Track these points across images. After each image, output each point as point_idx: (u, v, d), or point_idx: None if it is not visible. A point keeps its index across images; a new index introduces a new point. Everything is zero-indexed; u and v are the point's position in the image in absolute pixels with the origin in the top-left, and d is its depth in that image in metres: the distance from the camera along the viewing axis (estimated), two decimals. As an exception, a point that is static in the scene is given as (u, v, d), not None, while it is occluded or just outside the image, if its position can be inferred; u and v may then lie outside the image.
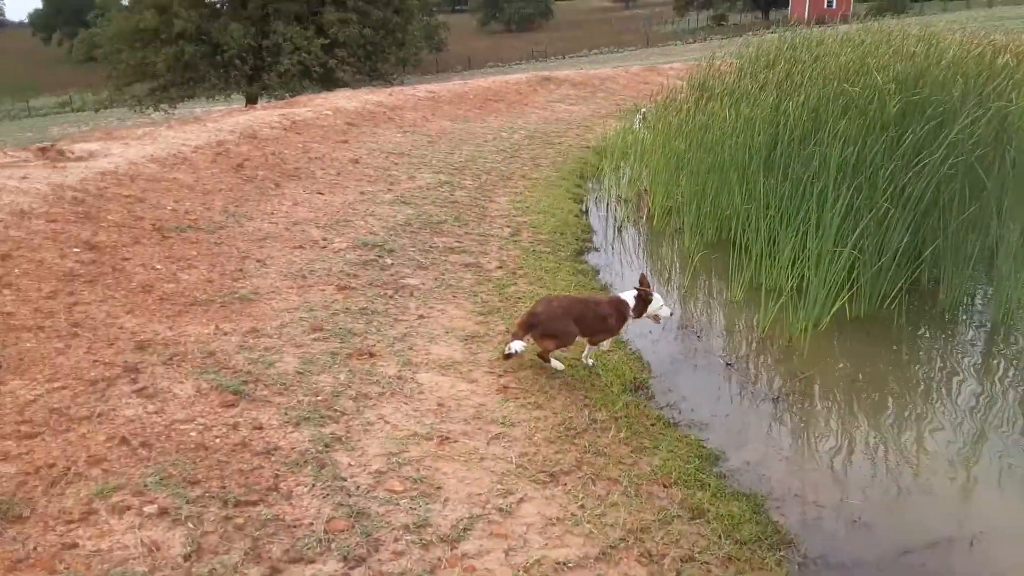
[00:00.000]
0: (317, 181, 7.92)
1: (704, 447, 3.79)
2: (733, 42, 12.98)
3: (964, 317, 5.51)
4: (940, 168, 5.39)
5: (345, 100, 12.48)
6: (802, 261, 5.35)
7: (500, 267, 5.92)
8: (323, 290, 4.98)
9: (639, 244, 7.62)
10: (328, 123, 10.55)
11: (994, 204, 5.33)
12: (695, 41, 47.12)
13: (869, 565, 3.09)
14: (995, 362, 4.87)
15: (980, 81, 6.09)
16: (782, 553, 3.03)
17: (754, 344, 5.18)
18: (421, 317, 4.75)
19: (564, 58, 54.04)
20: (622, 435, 3.68)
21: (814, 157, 5.64)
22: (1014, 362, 4.82)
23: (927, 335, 5.28)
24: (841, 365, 4.85)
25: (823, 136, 5.67)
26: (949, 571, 3.09)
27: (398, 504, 2.89)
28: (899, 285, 5.39)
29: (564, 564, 2.69)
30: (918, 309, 5.62)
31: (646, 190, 8.76)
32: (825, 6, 48.13)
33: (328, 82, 27.54)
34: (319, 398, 3.59)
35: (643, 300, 4.31)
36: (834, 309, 5.21)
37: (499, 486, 3.09)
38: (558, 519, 2.94)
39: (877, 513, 3.37)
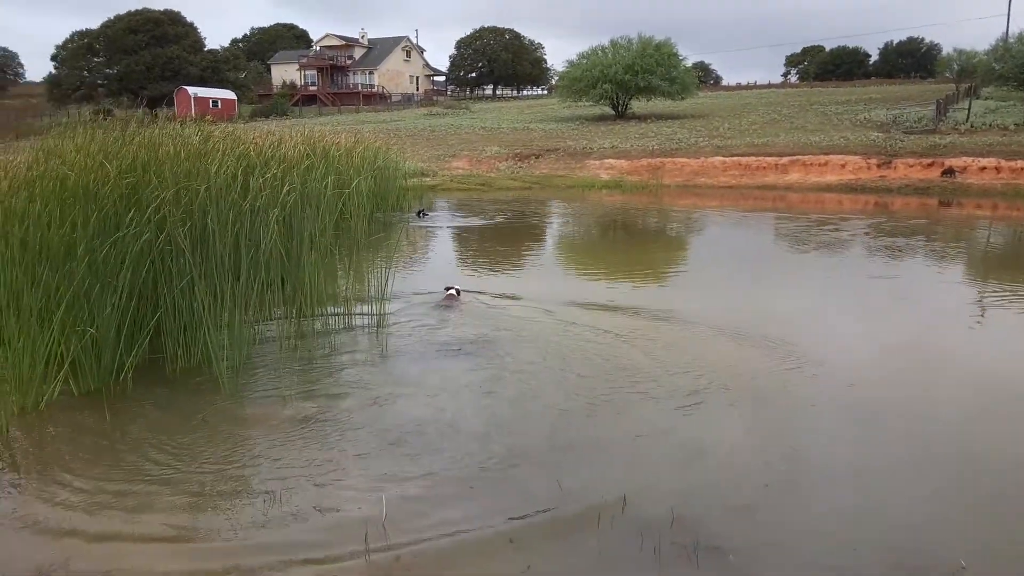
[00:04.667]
0: None
1: None
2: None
3: (194, 377, 5.97)
4: (152, 244, 5.83)
5: None
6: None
7: None
8: None
9: None
10: None
11: (195, 271, 5.94)
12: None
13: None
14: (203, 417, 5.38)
15: (188, 166, 6.82)
16: None
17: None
18: None
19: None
20: None
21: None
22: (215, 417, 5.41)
23: (154, 400, 5.55)
24: (57, 446, 4.78)
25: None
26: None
27: None
28: (133, 354, 5.64)
29: None
30: (158, 375, 5.94)
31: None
32: (211, 106, 50.36)
33: None
34: None
35: None
36: (52, 390, 5.17)
37: None
38: None
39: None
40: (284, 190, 7.15)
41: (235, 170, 6.96)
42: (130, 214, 5.86)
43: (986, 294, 9.52)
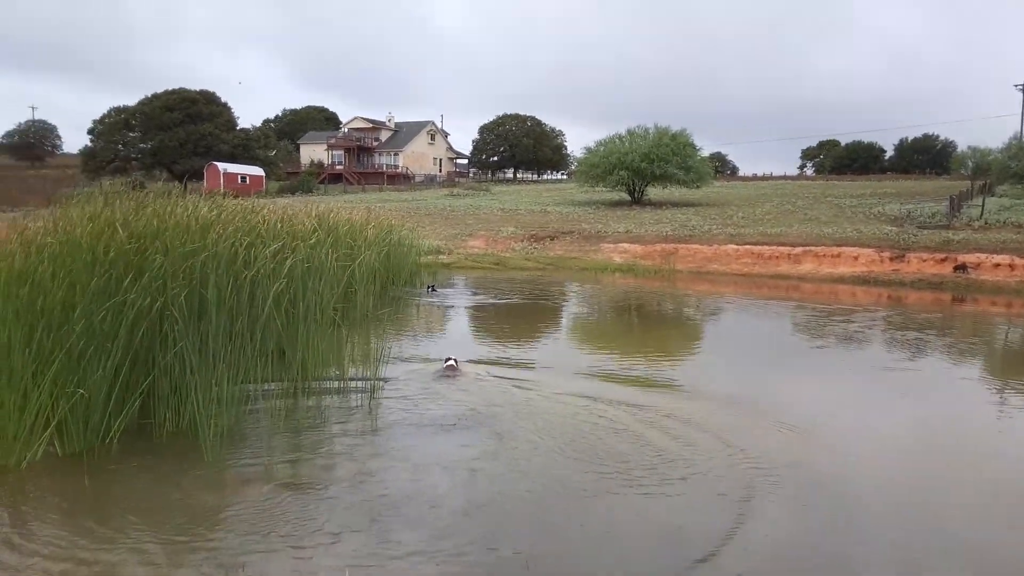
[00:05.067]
0: None
1: None
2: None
3: (180, 443, 5.94)
4: (150, 310, 5.90)
5: None
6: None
7: None
8: None
9: None
10: None
11: (188, 339, 5.99)
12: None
13: None
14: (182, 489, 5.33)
15: (193, 236, 6.94)
16: None
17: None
18: None
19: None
20: None
21: None
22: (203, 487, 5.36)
23: (136, 465, 5.51)
24: (25, 512, 4.74)
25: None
26: None
27: None
28: (121, 418, 5.64)
29: None
30: (146, 439, 5.91)
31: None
32: (239, 182, 51.83)
33: None
34: None
35: None
36: (36, 450, 5.17)
37: None
38: None
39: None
40: (287, 262, 7.27)
41: (240, 242, 7.09)
42: (128, 280, 5.96)
43: (1005, 391, 9.33)
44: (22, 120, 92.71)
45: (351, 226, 13.59)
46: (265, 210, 11.16)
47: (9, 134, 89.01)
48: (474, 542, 4.45)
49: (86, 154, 63.70)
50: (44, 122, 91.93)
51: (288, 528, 4.56)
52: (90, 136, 64.58)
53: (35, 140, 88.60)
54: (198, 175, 54.59)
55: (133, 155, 62.77)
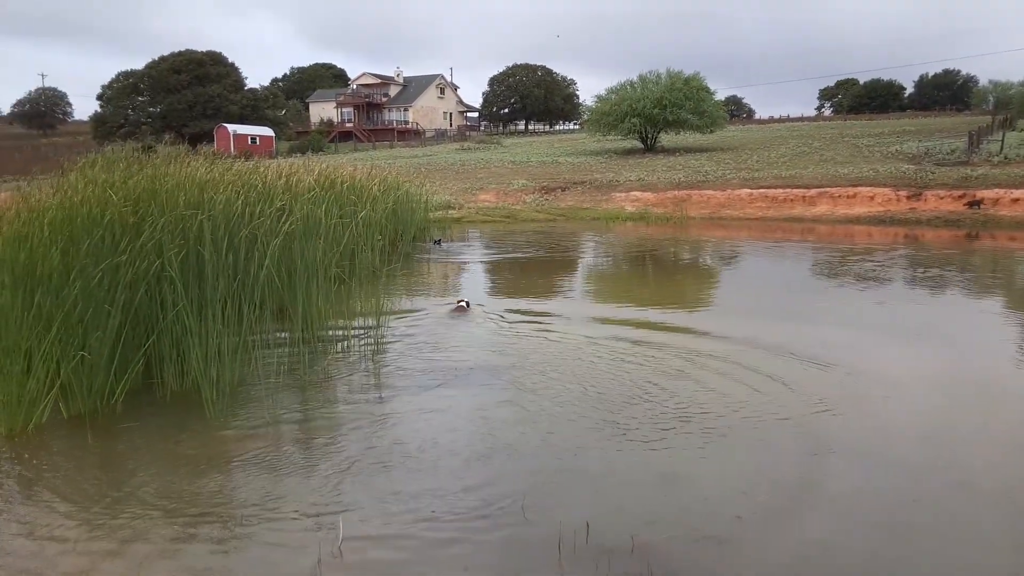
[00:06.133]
0: None
1: None
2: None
3: (184, 402, 5.99)
4: (148, 270, 5.92)
5: None
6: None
7: None
8: None
9: None
10: None
11: (187, 297, 6.01)
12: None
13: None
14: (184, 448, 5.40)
15: (189, 196, 6.94)
16: None
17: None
18: None
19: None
20: None
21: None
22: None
23: (139, 424, 5.58)
24: (27, 474, 4.82)
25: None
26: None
27: None
28: (125, 378, 5.70)
29: None
30: (151, 399, 5.98)
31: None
32: (249, 143, 51.68)
33: None
34: None
35: None
36: (41, 412, 5.24)
37: None
38: None
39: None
40: (283, 219, 7.24)
41: (235, 200, 7.07)
42: (126, 241, 5.97)
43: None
44: (32, 88, 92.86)
45: (351, 183, 13.52)
46: (267, 170, 11.13)
47: (20, 103, 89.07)
48: (475, 489, 4.48)
49: (96, 120, 63.77)
50: (54, 89, 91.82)
51: (285, 481, 4.61)
52: (99, 102, 64.56)
53: (46, 108, 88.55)
54: (208, 137, 54.48)
55: (143, 119, 62.76)
